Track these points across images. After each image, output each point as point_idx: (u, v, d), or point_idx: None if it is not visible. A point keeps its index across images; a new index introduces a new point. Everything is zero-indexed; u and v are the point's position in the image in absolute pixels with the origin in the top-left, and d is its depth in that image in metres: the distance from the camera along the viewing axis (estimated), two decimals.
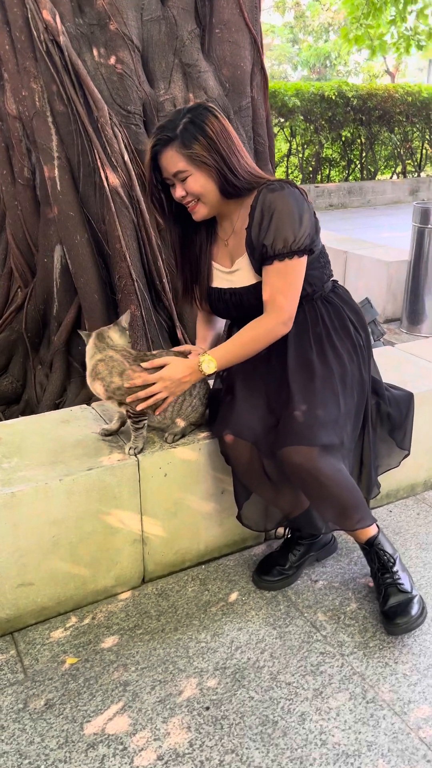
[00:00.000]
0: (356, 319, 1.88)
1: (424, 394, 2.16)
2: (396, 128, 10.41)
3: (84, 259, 2.74)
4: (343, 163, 10.97)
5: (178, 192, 1.67)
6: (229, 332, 1.99)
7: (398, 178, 11.36)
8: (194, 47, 2.79)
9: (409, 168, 11.60)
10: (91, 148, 2.66)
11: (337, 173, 11.14)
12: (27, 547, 1.63)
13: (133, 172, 2.71)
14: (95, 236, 2.78)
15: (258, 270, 1.71)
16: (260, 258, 1.67)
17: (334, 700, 1.49)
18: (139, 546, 1.81)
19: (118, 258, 2.73)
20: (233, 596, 1.82)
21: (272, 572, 1.84)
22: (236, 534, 1.98)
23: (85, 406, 2.04)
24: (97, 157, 2.65)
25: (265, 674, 1.56)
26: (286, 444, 1.57)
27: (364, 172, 11.08)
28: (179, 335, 2.94)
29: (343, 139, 10.37)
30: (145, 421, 1.72)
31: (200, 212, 1.71)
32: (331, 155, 10.76)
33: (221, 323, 2.01)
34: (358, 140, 10.51)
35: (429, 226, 3.85)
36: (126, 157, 2.69)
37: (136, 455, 1.73)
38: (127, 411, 1.68)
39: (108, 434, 1.83)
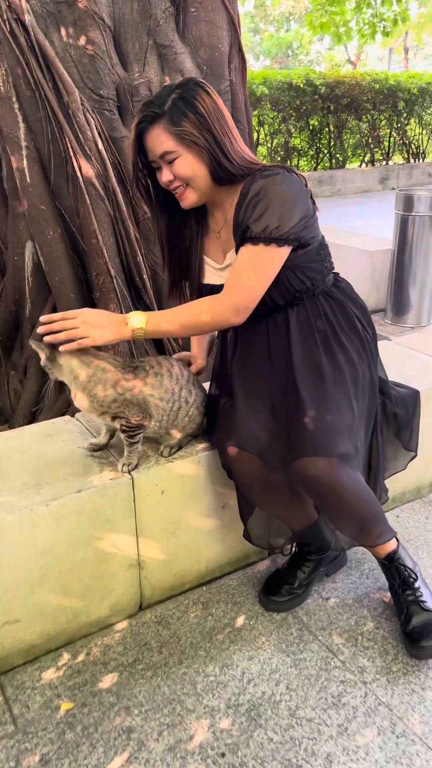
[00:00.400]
0: (362, 315, 1.74)
1: (430, 391, 2.03)
2: (363, 116, 10.33)
3: (58, 256, 2.55)
4: (312, 153, 10.86)
5: (165, 176, 1.51)
6: (222, 333, 1.83)
7: (367, 166, 11.30)
8: (169, 27, 2.61)
9: (377, 156, 11.55)
10: (62, 136, 2.46)
11: (306, 163, 11.03)
12: (12, 581, 1.45)
13: (108, 162, 2.53)
14: (69, 231, 2.59)
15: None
16: (239, 241, 1.51)
17: (361, 736, 1.36)
18: (136, 571, 1.64)
19: (95, 254, 2.55)
20: (240, 620, 1.67)
21: (280, 592, 1.70)
22: (239, 551, 1.83)
23: (68, 417, 1.86)
24: (68, 145, 2.46)
25: (282, 710, 1.42)
26: (299, 455, 1.42)
27: (333, 161, 10.99)
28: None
29: (311, 128, 10.25)
30: (141, 435, 1.55)
31: (189, 199, 1.54)
32: (299, 145, 10.63)
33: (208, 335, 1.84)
34: (326, 129, 10.40)
35: (413, 213, 3.73)
36: (100, 145, 2.50)
37: (130, 472, 1.56)
38: (122, 425, 1.52)
39: (96, 449, 1.66)
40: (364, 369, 1.64)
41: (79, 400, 1.51)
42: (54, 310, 2.67)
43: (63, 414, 2.61)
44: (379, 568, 1.84)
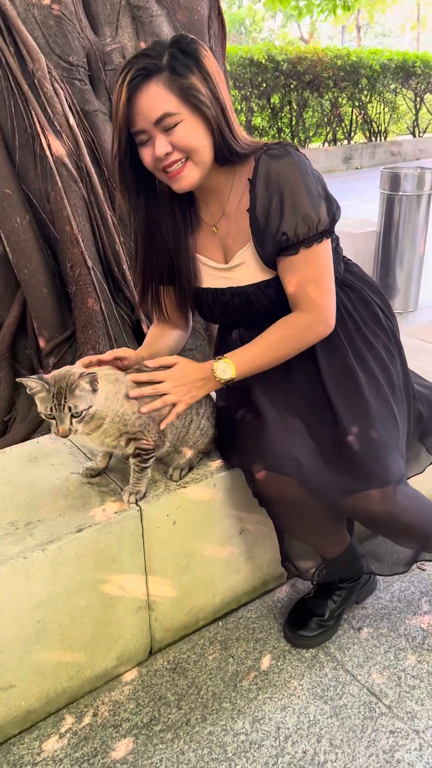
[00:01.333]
0: (381, 302, 1.54)
1: None
2: (325, 94, 10.11)
3: (27, 246, 2.27)
4: (273, 132, 10.60)
5: (160, 147, 1.22)
6: (222, 338, 1.59)
7: (330, 145, 11.11)
8: None
9: (338, 136, 11.36)
10: (27, 110, 2.18)
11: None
12: (4, 643, 1.21)
13: (80, 139, 2.25)
14: (39, 218, 2.31)
15: (269, 262, 1.34)
16: (276, 248, 1.30)
17: None
18: (145, 613, 1.42)
19: (69, 242, 2.28)
20: (265, 661, 1.47)
21: (309, 625, 1.50)
22: (256, 578, 1.62)
23: (55, 436, 1.61)
24: (35, 120, 2.17)
25: None
26: (352, 489, 1.22)
27: (295, 139, 10.76)
28: (145, 330, 2.52)
29: (271, 106, 9.97)
30: (154, 458, 1.32)
31: (189, 178, 1.27)
32: (260, 124, 10.36)
33: (175, 341, 1.55)
34: (287, 107, 10.15)
35: (399, 192, 3.55)
36: (71, 119, 2.23)
37: (137, 503, 1.33)
38: (137, 448, 1.27)
39: (94, 475, 1.42)
40: (396, 366, 1.45)
41: (91, 436, 1.25)
42: (23, 307, 2.40)
43: (40, 424, 2.35)
44: (411, 589, 1.66)
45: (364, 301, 1.50)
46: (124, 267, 2.40)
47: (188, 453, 1.42)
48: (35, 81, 2.14)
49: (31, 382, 1.16)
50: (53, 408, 1.14)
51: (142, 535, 1.34)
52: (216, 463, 1.47)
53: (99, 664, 1.38)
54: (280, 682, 1.42)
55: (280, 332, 1.33)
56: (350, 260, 1.58)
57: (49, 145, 2.20)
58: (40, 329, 2.39)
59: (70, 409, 1.14)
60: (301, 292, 1.31)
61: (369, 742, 1.28)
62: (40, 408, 1.16)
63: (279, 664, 1.46)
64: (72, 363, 2.41)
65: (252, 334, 1.41)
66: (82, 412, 1.15)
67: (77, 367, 1.23)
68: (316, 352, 1.40)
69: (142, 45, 2.36)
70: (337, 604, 1.52)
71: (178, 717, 1.34)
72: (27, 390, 1.18)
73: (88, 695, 1.39)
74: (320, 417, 1.34)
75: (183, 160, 1.25)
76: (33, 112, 2.17)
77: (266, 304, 1.39)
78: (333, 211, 1.30)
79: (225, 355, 1.34)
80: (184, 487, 1.38)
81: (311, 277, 1.30)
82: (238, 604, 1.62)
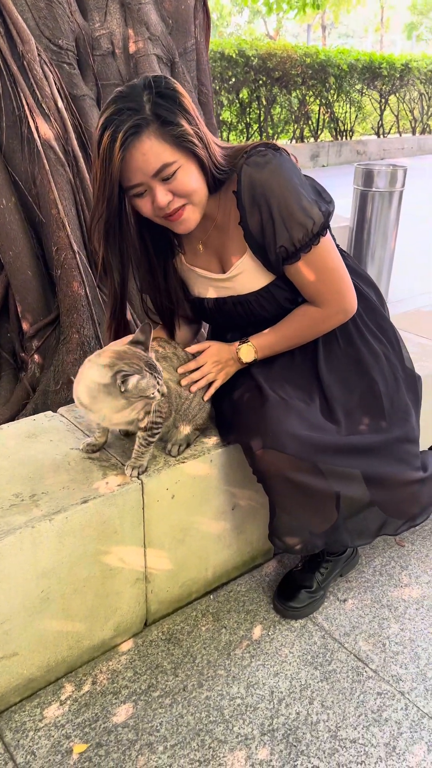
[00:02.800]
0: (375, 294, 1.62)
1: (429, 377, 1.94)
2: (294, 91, 10.21)
3: (12, 228, 2.27)
4: (241, 127, 10.65)
5: (162, 198, 1.23)
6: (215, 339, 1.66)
7: (297, 142, 11.22)
8: None
9: (305, 133, 11.48)
10: (16, 92, 2.17)
11: (235, 137, 10.81)
12: (9, 611, 1.24)
13: (68, 123, 2.26)
14: (24, 200, 2.30)
15: (272, 268, 1.39)
16: (279, 259, 1.35)
17: (412, 755, 1.25)
18: (142, 585, 1.46)
19: (55, 226, 2.28)
20: (257, 631, 1.53)
21: (298, 597, 1.56)
22: (245, 553, 1.68)
23: (50, 413, 1.63)
24: (24, 102, 2.17)
25: (322, 731, 1.29)
26: (375, 474, 1.37)
27: (263, 135, 10.83)
28: (128, 316, 2.54)
29: (240, 101, 10.02)
30: (161, 432, 1.36)
31: (190, 220, 1.31)
32: (228, 118, 10.39)
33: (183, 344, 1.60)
34: (255, 102, 10.21)
35: (372, 189, 3.65)
36: (60, 103, 2.23)
37: (139, 476, 1.37)
38: (150, 421, 1.31)
39: (95, 450, 1.45)
40: (400, 353, 1.56)
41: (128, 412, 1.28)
42: (7, 289, 2.40)
43: (24, 405, 2.36)
44: (391, 563, 1.75)
45: (361, 295, 1.57)
46: None
47: (186, 429, 1.46)
48: (24, 63, 2.14)
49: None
50: (158, 382, 1.23)
51: (143, 508, 1.38)
52: (212, 440, 1.51)
53: (97, 635, 1.42)
54: (272, 650, 1.48)
55: (299, 322, 1.42)
56: (345, 251, 1.64)
57: (37, 128, 2.20)
58: (24, 312, 2.39)
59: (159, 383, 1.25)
60: (314, 292, 1.38)
61: (358, 703, 1.36)
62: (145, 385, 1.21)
63: (270, 633, 1.52)
64: (56, 347, 2.42)
65: (251, 329, 1.49)
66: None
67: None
68: (318, 342, 1.48)
69: (130, 32, 2.38)
70: (323, 576, 1.59)
71: (175, 684, 1.39)
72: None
73: (86, 665, 1.42)
74: (321, 394, 1.41)
75: (182, 205, 1.28)
76: (21, 94, 2.16)
77: (268, 308, 1.44)
78: (326, 208, 1.35)
79: (248, 338, 1.43)
80: (183, 462, 1.43)
81: (319, 277, 1.36)
82: (229, 578, 1.67)
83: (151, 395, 1.21)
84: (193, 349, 1.47)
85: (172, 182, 1.23)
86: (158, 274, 1.46)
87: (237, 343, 1.43)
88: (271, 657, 1.46)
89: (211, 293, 1.47)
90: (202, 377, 1.44)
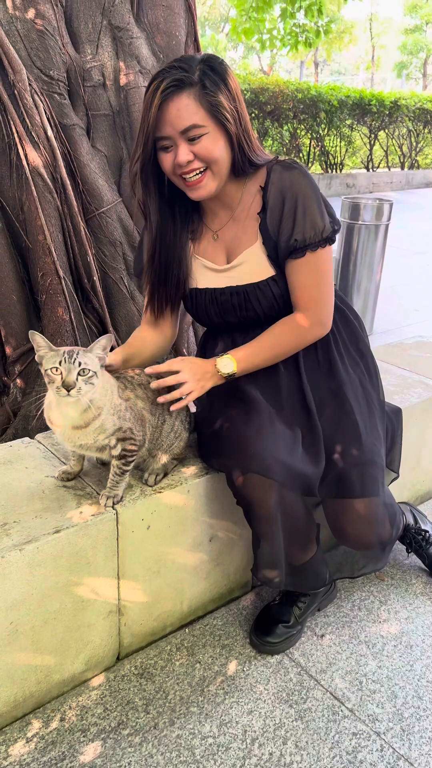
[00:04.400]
0: (358, 324, 1.64)
1: (411, 408, 1.94)
2: (285, 125, 10.41)
3: None
4: None
5: (183, 155, 1.30)
6: (204, 345, 1.66)
7: None
8: (125, 9, 2.40)
9: None
10: (6, 120, 2.20)
11: None
12: None
13: (57, 151, 2.28)
14: (11, 226, 2.32)
15: (275, 263, 1.43)
16: (287, 251, 1.40)
17: None
18: (115, 618, 1.43)
19: (41, 252, 2.30)
20: (231, 667, 1.49)
21: (274, 632, 1.54)
22: (222, 585, 1.65)
23: (28, 440, 1.61)
24: (14, 130, 2.20)
25: None
26: (339, 495, 1.33)
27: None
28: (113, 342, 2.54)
29: None
30: (135, 460, 1.35)
31: (207, 187, 1.36)
32: None
33: (157, 347, 1.57)
34: None
35: (359, 222, 3.70)
36: (49, 131, 2.26)
37: (114, 506, 1.35)
38: (124, 448, 1.29)
39: (70, 478, 1.43)
40: (376, 383, 1.56)
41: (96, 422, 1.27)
42: None
43: (4, 430, 2.33)
44: (371, 598, 1.73)
45: (346, 320, 1.60)
46: (95, 278, 2.43)
47: (163, 458, 1.45)
48: (15, 92, 2.17)
49: (41, 340, 1.20)
50: (63, 361, 1.17)
51: (117, 539, 1.36)
52: (190, 470, 1.50)
53: (67, 669, 1.38)
54: (247, 687, 1.44)
55: (280, 330, 1.44)
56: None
57: (26, 155, 2.22)
58: (8, 336, 2.38)
59: (80, 364, 1.18)
60: (303, 293, 1.41)
61: (333, 743, 1.32)
62: (46, 365, 1.19)
63: (245, 669, 1.49)
64: (38, 372, 2.41)
65: (237, 343, 1.48)
66: (89, 372, 1.18)
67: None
68: (300, 365, 1.48)
69: (122, 65, 2.42)
70: (301, 610, 1.56)
71: (146, 721, 1.35)
72: (34, 346, 1.21)
73: (54, 700, 1.38)
74: (305, 423, 1.41)
75: (202, 170, 1.34)
76: (11, 122, 2.19)
77: (263, 303, 1.46)
78: (334, 222, 1.43)
79: (227, 351, 1.43)
80: (160, 492, 1.41)
81: (313, 280, 1.41)
82: (205, 611, 1.64)
83: (54, 373, 1.19)
84: (163, 367, 1.39)
85: (197, 144, 1.30)
86: (176, 245, 1.47)
87: (215, 357, 1.42)
88: (246, 694, 1.43)
89: (210, 283, 1.49)
90: (176, 383, 1.38)
